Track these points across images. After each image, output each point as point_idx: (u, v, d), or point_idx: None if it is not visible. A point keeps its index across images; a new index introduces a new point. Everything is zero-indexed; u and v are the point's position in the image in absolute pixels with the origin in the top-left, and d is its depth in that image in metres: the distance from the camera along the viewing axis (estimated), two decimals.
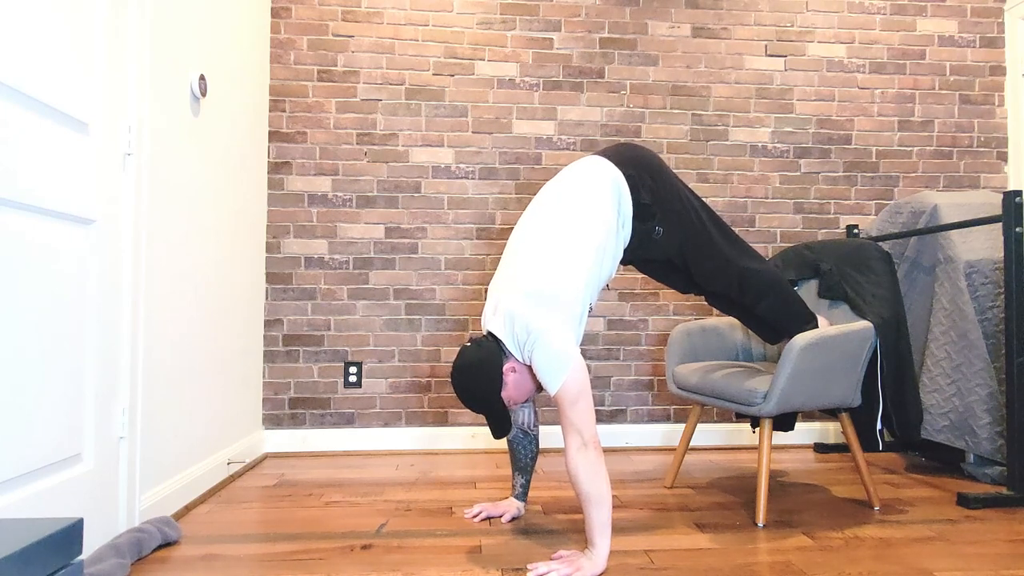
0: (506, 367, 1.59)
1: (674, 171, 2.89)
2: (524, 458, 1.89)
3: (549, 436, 2.83)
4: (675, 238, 1.75)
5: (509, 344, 1.58)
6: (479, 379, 1.57)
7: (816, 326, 1.94)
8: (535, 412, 1.87)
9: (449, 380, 2.81)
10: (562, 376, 1.47)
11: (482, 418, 2.82)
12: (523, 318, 1.53)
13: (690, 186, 2.94)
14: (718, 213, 2.94)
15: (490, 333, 1.63)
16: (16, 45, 1.26)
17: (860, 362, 1.91)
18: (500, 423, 1.61)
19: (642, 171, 1.72)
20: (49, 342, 1.36)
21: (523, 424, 1.86)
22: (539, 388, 1.69)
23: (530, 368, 1.60)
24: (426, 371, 2.82)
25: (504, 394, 1.60)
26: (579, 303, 1.59)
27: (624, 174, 1.70)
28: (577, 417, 1.48)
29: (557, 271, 1.57)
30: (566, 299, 1.56)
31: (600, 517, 1.47)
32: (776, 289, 1.87)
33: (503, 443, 2.84)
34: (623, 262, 1.84)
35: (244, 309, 2.51)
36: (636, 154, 1.76)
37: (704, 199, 2.93)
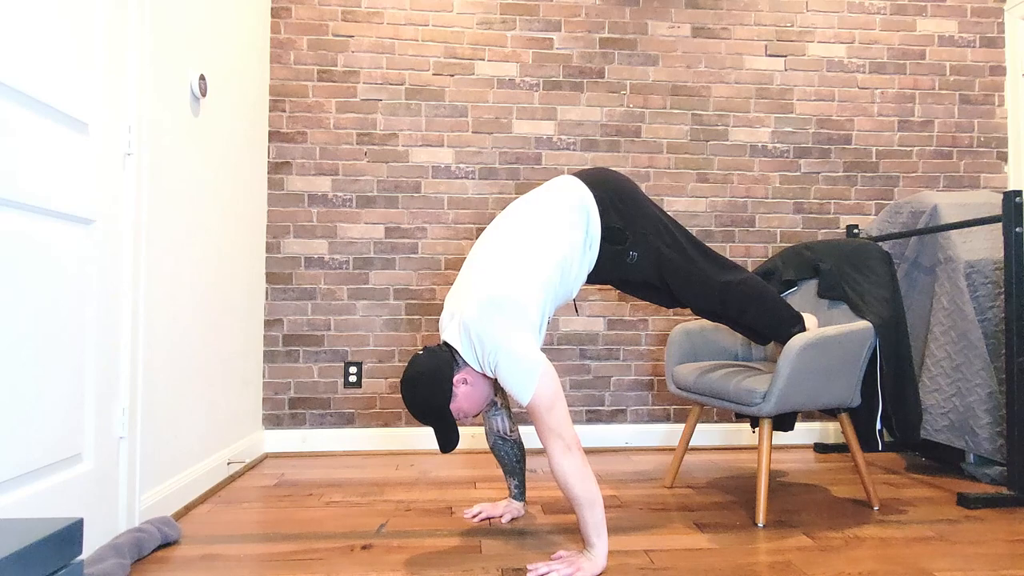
0: (457, 378, 1.54)
1: (663, 178, 2.93)
2: (510, 462, 1.87)
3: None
4: (651, 261, 1.73)
5: (465, 353, 1.53)
6: (427, 389, 1.51)
7: (804, 327, 1.94)
8: (510, 417, 1.85)
9: None
10: (533, 384, 1.44)
11: (481, 419, 2.82)
12: (477, 326, 1.49)
13: (689, 187, 2.95)
14: (717, 214, 2.96)
15: (445, 342, 1.58)
16: (16, 45, 1.26)
17: (860, 362, 1.91)
18: (448, 435, 1.55)
19: (613, 194, 1.71)
20: (49, 342, 1.36)
21: (499, 431, 1.84)
22: (494, 398, 1.66)
23: (485, 378, 1.58)
24: None
25: (454, 406, 1.55)
26: (536, 311, 1.54)
27: (595, 196, 1.69)
28: (555, 422, 1.45)
29: (513, 278, 1.53)
30: (522, 306, 1.51)
31: (594, 518, 1.47)
32: (759, 298, 1.86)
33: None
34: (600, 283, 1.83)
35: (244, 309, 2.51)
36: (609, 177, 1.75)
37: (704, 199, 2.95)
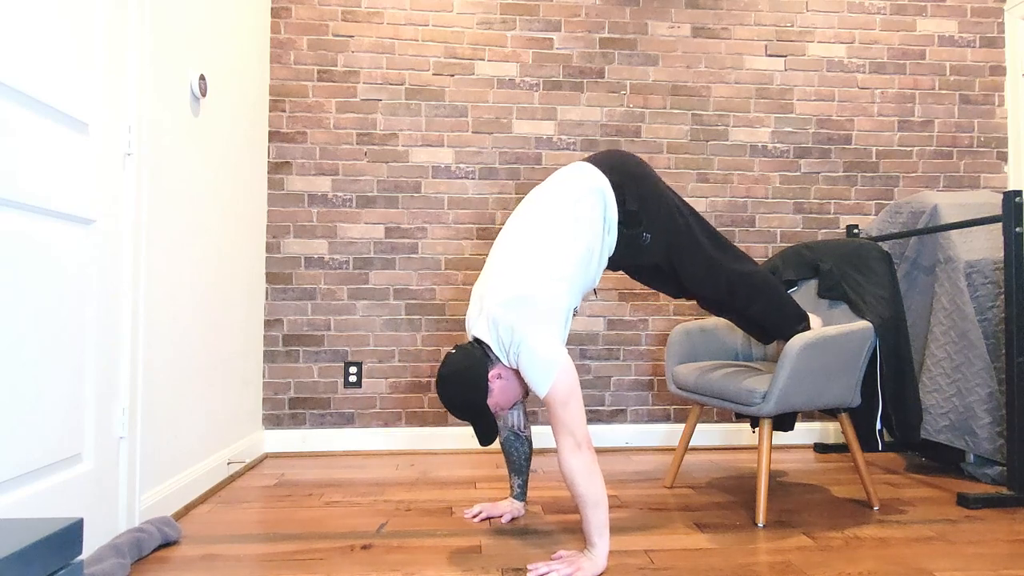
0: (492, 373, 1.56)
1: (663, 177, 2.93)
2: (518, 459, 1.88)
3: (548, 437, 2.83)
4: (663, 244, 1.75)
5: (495, 348, 1.56)
6: (464, 387, 1.54)
7: (808, 326, 1.94)
8: (525, 413, 1.87)
9: None
10: (551, 378, 1.46)
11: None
12: (507, 321, 1.51)
13: (689, 187, 2.95)
14: (718, 213, 2.96)
15: (476, 339, 1.61)
16: (16, 45, 1.26)
17: (860, 362, 1.91)
18: (487, 430, 1.59)
19: (628, 178, 1.72)
20: (49, 342, 1.36)
21: (513, 426, 1.85)
22: (526, 393, 1.68)
23: (516, 373, 1.59)
24: (426, 371, 2.82)
25: (490, 401, 1.58)
26: (563, 307, 1.57)
27: (610, 180, 1.69)
28: (569, 418, 1.47)
29: (541, 274, 1.56)
30: (550, 302, 1.54)
31: (598, 517, 1.47)
32: (766, 291, 1.87)
33: None
34: (613, 268, 1.84)
35: (244, 309, 2.51)
36: (623, 160, 1.75)
37: (704, 199, 2.95)
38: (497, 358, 1.58)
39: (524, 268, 1.57)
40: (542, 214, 1.65)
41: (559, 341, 1.53)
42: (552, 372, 1.46)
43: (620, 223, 1.70)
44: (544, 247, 1.60)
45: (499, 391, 1.58)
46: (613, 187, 1.69)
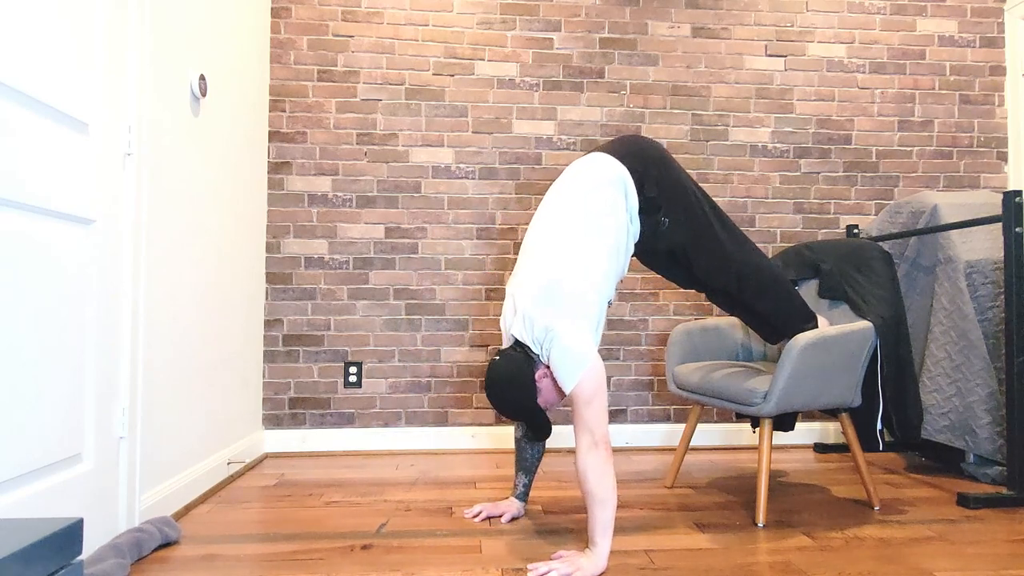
0: (538, 374, 1.59)
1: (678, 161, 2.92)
2: (529, 458, 1.89)
3: (550, 438, 2.82)
4: (680, 229, 1.76)
5: (533, 347, 1.58)
6: (515, 391, 1.56)
7: (816, 325, 1.94)
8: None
9: (449, 380, 2.81)
10: (578, 375, 1.48)
11: (482, 418, 2.82)
12: (542, 319, 1.54)
13: None
14: None
15: (516, 342, 1.63)
16: (16, 45, 1.26)
17: (860, 362, 1.91)
18: (541, 427, 1.63)
19: (647, 164, 1.73)
20: (49, 342, 1.35)
21: None
22: None
23: None
24: (426, 371, 2.82)
25: (540, 400, 1.61)
26: (597, 304, 1.59)
27: (629, 169, 1.70)
28: (590, 416, 1.48)
29: (571, 269, 1.58)
30: (584, 300, 1.57)
31: (604, 517, 1.48)
32: (776, 286, 1.87)
33: (503, 443, 2.84)
34: (634, 253, 1.85)
35: (244, 309, 2.51)
36: (640, 147, 1.76)
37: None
38: (538, 357, 1.59)
39: (554, 264, 1.59)
40: (567, 210, 1.66)
41: (590, 340, 1.55)
42: (580, 370, 1.48)
43: (640, 211, 1.71)
44: (573, 242, 1.61)
45: (547, 390, 1.61)
46: (632, 175, 1.70)
